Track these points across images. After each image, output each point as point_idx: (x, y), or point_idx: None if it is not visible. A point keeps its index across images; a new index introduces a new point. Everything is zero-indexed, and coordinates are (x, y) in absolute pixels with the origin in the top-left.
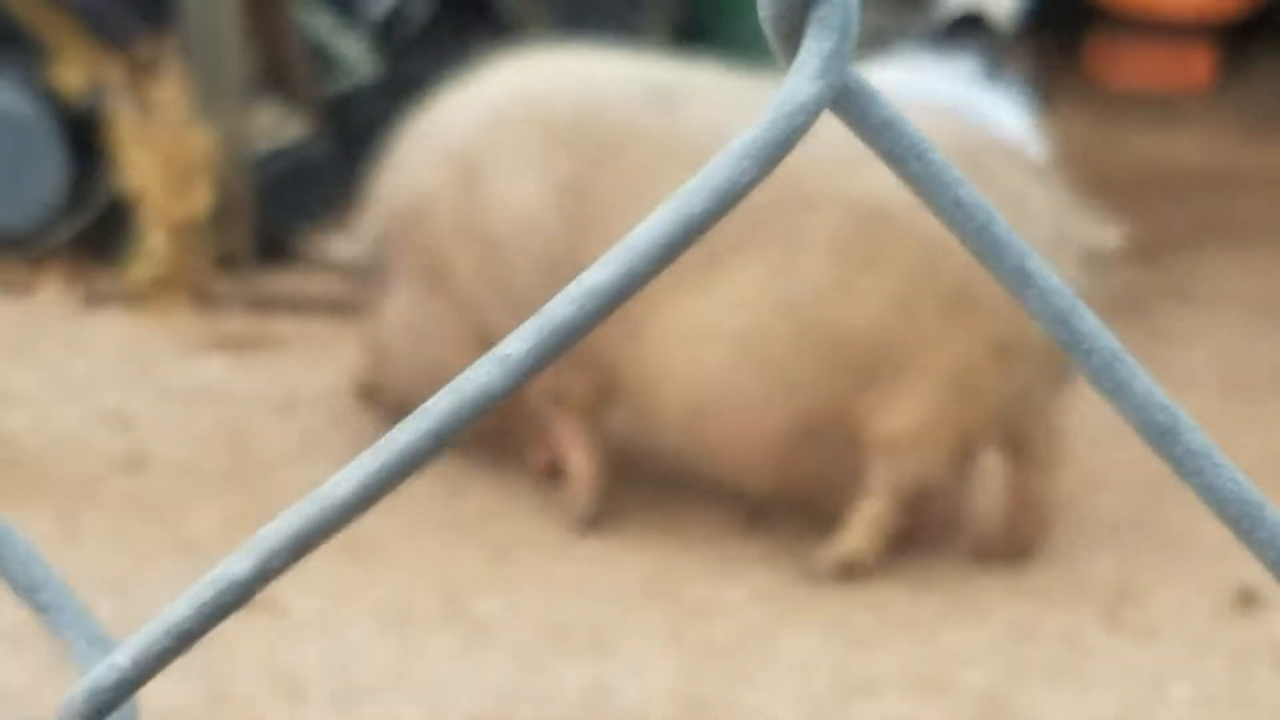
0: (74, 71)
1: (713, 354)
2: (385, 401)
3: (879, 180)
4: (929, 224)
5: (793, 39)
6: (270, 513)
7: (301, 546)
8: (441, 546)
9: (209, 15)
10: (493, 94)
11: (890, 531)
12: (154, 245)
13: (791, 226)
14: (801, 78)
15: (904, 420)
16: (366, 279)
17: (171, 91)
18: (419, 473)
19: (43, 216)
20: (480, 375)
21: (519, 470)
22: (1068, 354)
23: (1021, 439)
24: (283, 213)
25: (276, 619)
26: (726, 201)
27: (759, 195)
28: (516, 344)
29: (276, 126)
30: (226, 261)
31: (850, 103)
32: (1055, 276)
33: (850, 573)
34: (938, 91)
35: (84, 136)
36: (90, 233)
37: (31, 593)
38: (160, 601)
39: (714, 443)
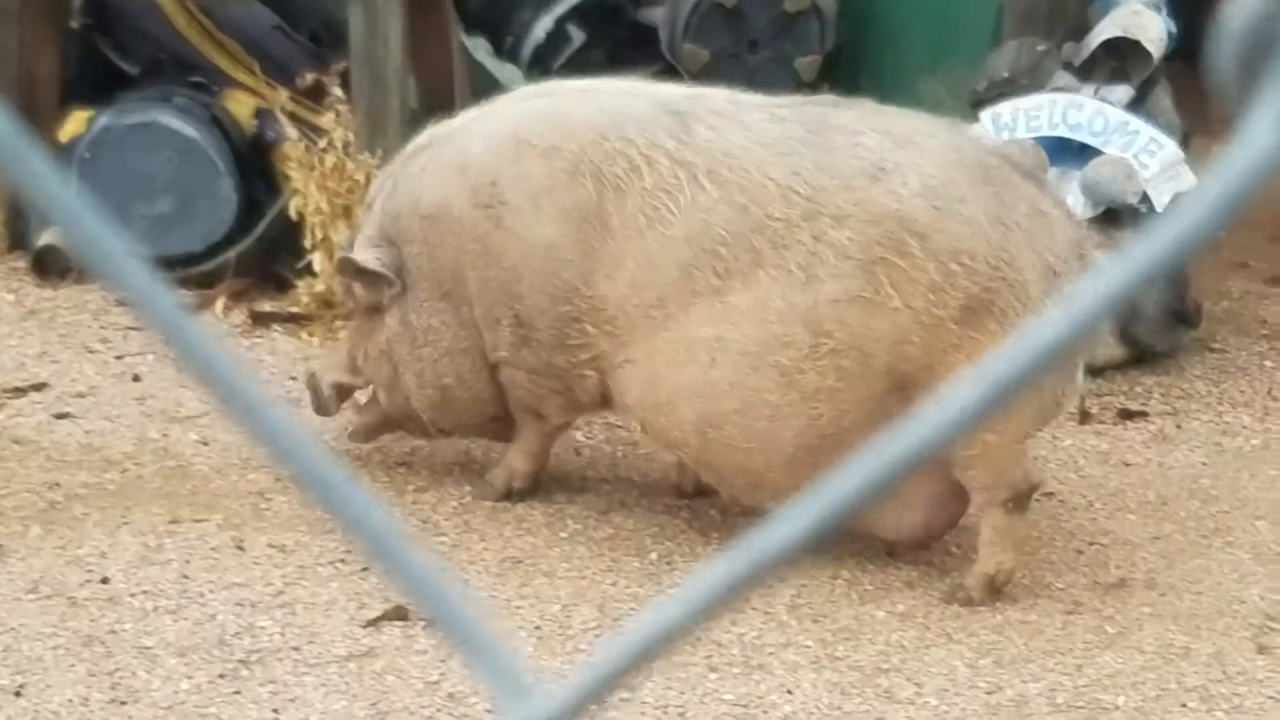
0: (244, 100)
1: (728, 366)
2: (371, 417)
3: (901, 192)
4: (950, 234)
5: (1249, 88)
6: (430, 529)
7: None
8: (598, 563)
9: (374, 45)
10: (512, 120)
11: (1019, 539)
12: (318, 268)
13: (814, 240)
14: (1261, 127)
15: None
16: (390, 285)
17: (339, 121)
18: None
19: (213, 241)
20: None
21: (671, 490)
22: None
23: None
24: None
25: (434, 633)
26: (1186, 249)
27: (782, 210)
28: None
29: None
30: None
31: None
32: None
33: (996, 590)
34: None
35: (252, 164)
36: (256, 256)
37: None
38: (328, 617)
39: (727, 454)
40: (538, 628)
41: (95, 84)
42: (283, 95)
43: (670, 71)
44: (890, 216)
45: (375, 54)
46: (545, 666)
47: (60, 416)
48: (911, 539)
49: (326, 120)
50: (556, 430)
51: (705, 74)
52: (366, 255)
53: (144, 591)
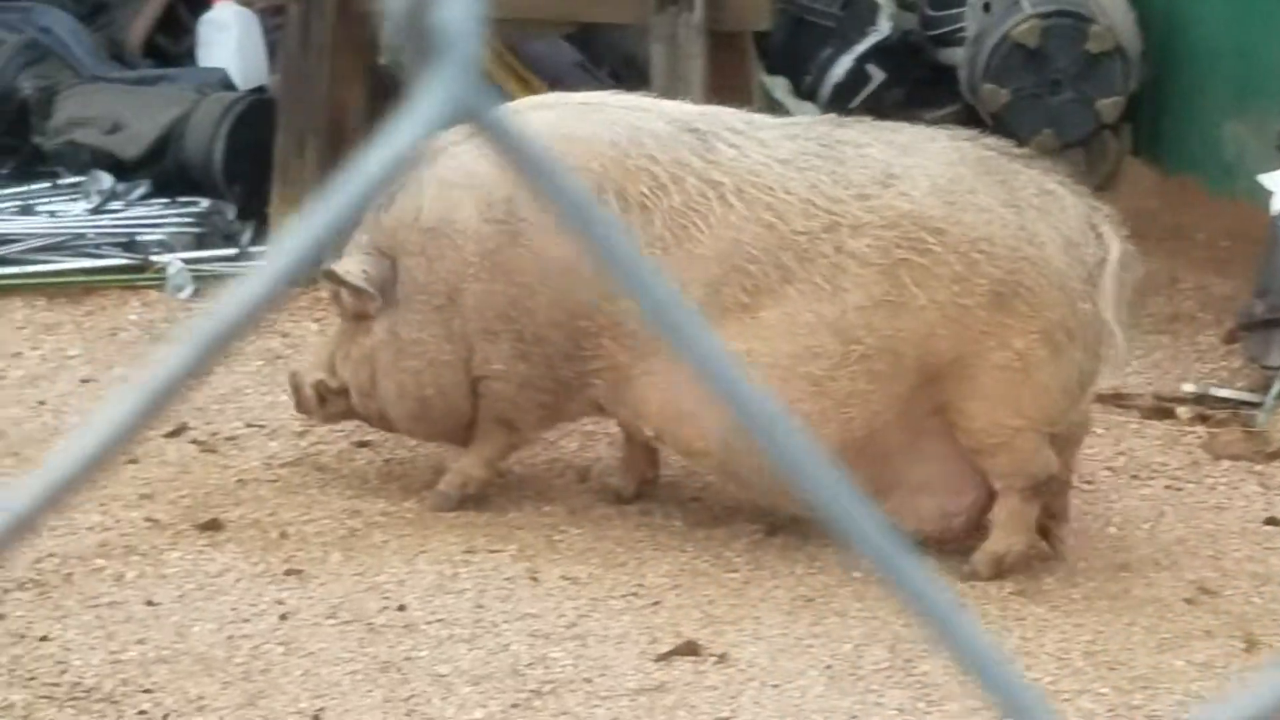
0: None
1: (758, 378)
2: (335, 408)
3: (913, 194)
4: (966, 225)
5: (420, 57)
6: (722, 565)
7: None
8: (890, 603)
9: (675, 83)
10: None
11: (1031, 523)
12: None
13: (835, 251)
14: (425, 98)
15: (984, 418)
16: (372, 300)
17: None
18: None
19: None
20: None
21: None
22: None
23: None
24: None
25: (726, 669)
26: (339, 220)
27: (804, 224)
28: None
29: None
30: None
31: (477, 121)
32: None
33: (1002, 568)
34: None
35: None
36: None
37: None
38: (620, 650)
39: (754, 463)
40: (829, 666)
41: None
42: None
43: (969, 111)
44: (906, 218)
45: (676, 92)
46: (835, 707)
47: (361, 445)
48: (931, 527)
49: None
50: (521, 443)
51: (1005, 115)
52: (352, 267)
53: (440, 619)
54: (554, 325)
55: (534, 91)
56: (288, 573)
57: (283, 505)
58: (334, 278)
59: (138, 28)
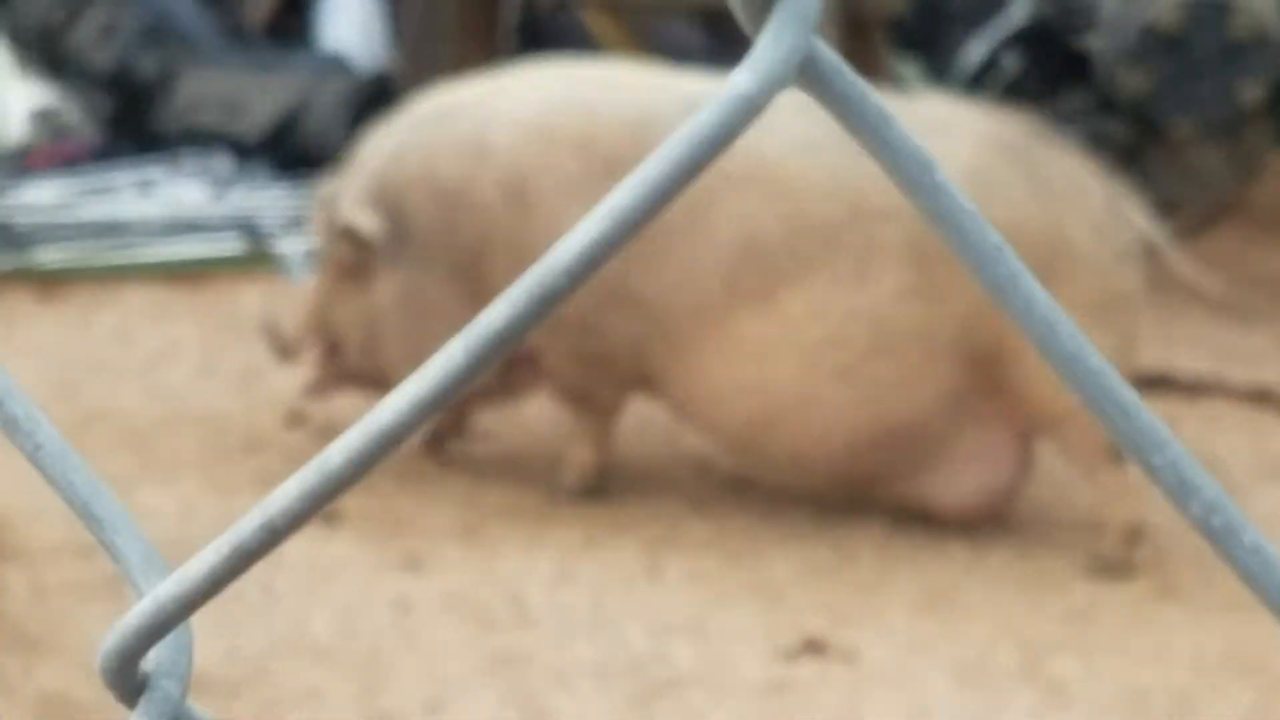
0: None
1: (785, 367)
2: (327, 370)
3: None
4: (997, 212)
5: (760, 14)
6: (848, 561)
7: None
8: (1019, 604)
9: None
10: (537, 105)
11: (1134, 488)
12: None
13: (864, 239)
14: (768, 47)
15: (1041, 396)
16: (368, 250)
17: None
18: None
19: None
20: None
21: (1090, 533)
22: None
23: None
24: None
25: (852, 667)
26: (668, 188)
27: (828, 213)
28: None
29: None
30: None
31: (815, 72)
32: (1019, 263)
33: (1136, 545)
34: None
35: None
36: None
37: (86, 507)
38: (742, 646)
39: (784, 445)
40: (956, 666)
41: None
42: None
43: (1105, 99)
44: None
45: None
46: (962, 707)
47: (481, 435)
48: (968, 507)
49: None
50: (610, 412)
51: (1144, 102)
52: (365, 221)
53: (558, 612)
54: (570, 303)
55: None
56: (406, 563)
57: (401, 496)
58: (348, 229)
59: (259, 8)
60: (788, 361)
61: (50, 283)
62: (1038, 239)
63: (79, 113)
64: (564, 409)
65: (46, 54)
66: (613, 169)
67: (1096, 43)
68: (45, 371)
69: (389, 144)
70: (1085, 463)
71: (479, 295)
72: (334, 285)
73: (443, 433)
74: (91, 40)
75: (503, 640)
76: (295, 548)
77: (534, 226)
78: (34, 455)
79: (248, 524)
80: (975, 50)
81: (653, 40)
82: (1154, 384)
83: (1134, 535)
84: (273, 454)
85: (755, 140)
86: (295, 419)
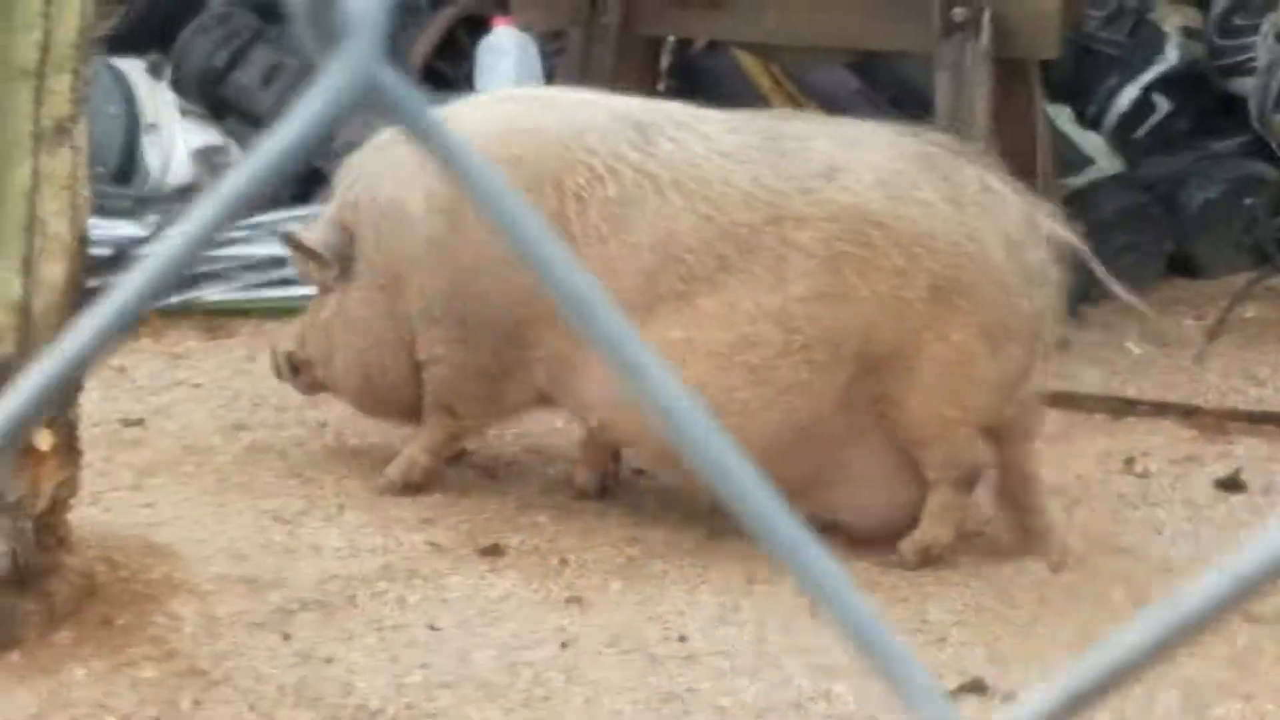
0: None
1: (698, 367)
2: (305, 380)
3: (856, 187)
4: (909, 220)
5: (326, 40)
6: (1005, 603)
7: None
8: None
9: (959, 111)
10: (478, 126)
11: (960, 516)
12: None
13: (779, 242)
14: (329, 75)
15: (921, 410)
16: (328, 267)
17: None
18: None
19: None
20: None
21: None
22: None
23: (1010, 419)
24: None
25: (1012, 707)
26: (253, 184)
27: (745, 216)
28: None
29: None
30: None
31: (384, 99)
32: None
33: (929, 558)
34: None
35: None
36: None
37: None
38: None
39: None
40: (1119, 710)
41: None
42: None
43: (1258, 142)
44: (848, 212)
45: (959, 121)
46: None
47: (639, 473)
48: (878, 522)
49: None
50: (465, 432)
51: None
52: (310, 234)
53: (721, 651)
54: (495, 311)
55: None
56: (568, 600)
57: (562, 532)
58: (292, 241)
59: (416, 51)
60: (704, 363)
61: (215, 319)
62: (947, 248)
63: (241, 152)
64: (426, 416)
65: (209, 97)
66: (540, 183)
67: (1248, 86)
68: (212, 407)
69: (353, 170)
70: (936, 480)
71: (397, 311)
72: (312, 304)
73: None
74: (254, 82)
75: (666, 678)
76: (458, 583)
77: (462, 240)
78: None
79: None
80: (1127, 94)
81: (804, 83)
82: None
83: (926, 554)
84: (434, 486)
85: (680, 149)
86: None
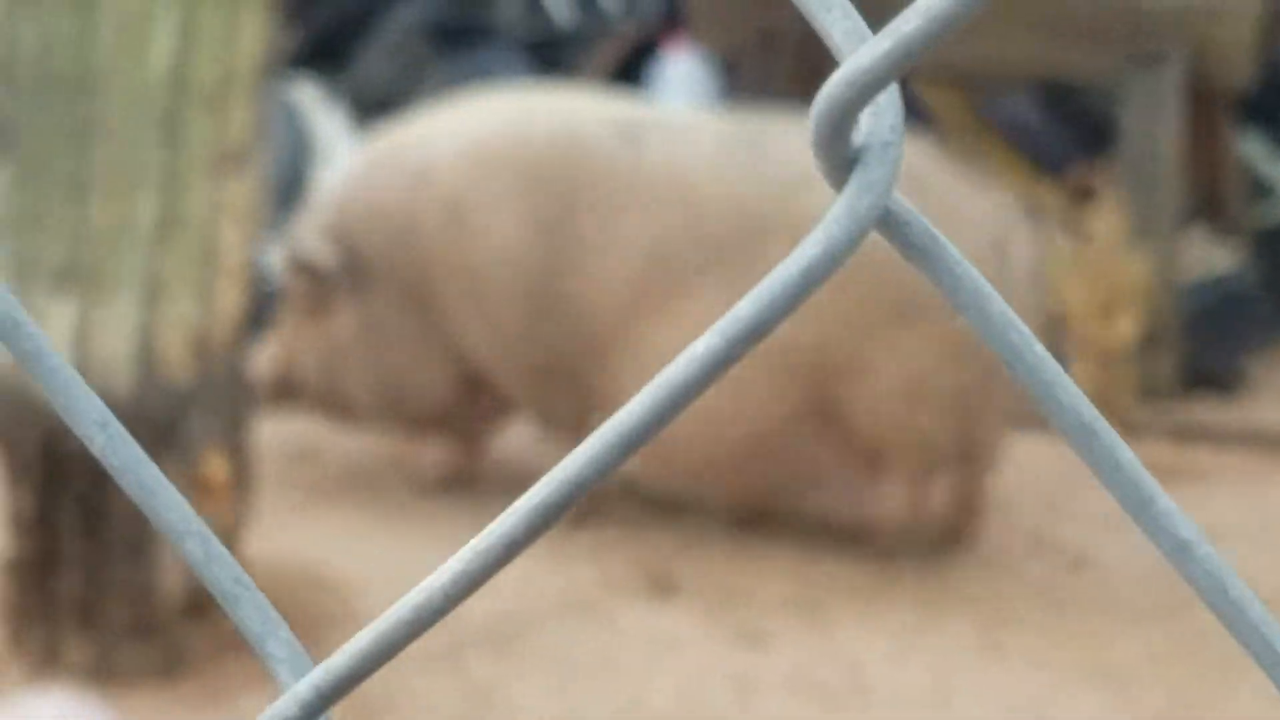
0: (1009, 194)
1: None
2: (299, 401)
3: (823, 201)
4: (875, 242)
5: (840, 167)
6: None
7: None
8: None
9: (1147, 143)
10: (474, 131)
11: (921, 515)
12: (1079, 370)
13: (749, 251)
14: (847, 201)
15: (882, 423)
16: (326, 282)
17: (1108, 218)
18: None
19: None
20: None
21: None
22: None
23: (968, 439)
24: (1210, 343)
25: None
26: (778, 312)
27: (718, 226)
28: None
29: (1207, 255)
30: (1150, 390)
31: (893, 225)
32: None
33: (902, 544)
34: None
35: None
36: None
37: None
38: None
39: (677, 454)
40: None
41: None
42: (1052, 191)
43: None
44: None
45: (1148, 152)
46: None
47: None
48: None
49: (1096, 218)
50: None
51: None
52: (317, 251)
53: (899, 691)
54: (508, 302)
55: (995, 149)
56: (742, 636)
57: (734, 568)
58: (300, 260)
59: (592, 74)
60: None
61: None
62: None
63: None
64: (538, 428)
65: (387, 119)
66: (538, 185)
67: None
68: (383, 437)
69: (342, 182)
70: (898, 472)
71: (429, 316)
72: (297, 325)
73: (460, 466)
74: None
75: (843, 716)
76: (631, 618)
77: (469, 242)
78: None
79: None
80: None
81: (987, 111)
82: None
83: (900, 540)
84: (605, 523)
85: (665, 159)
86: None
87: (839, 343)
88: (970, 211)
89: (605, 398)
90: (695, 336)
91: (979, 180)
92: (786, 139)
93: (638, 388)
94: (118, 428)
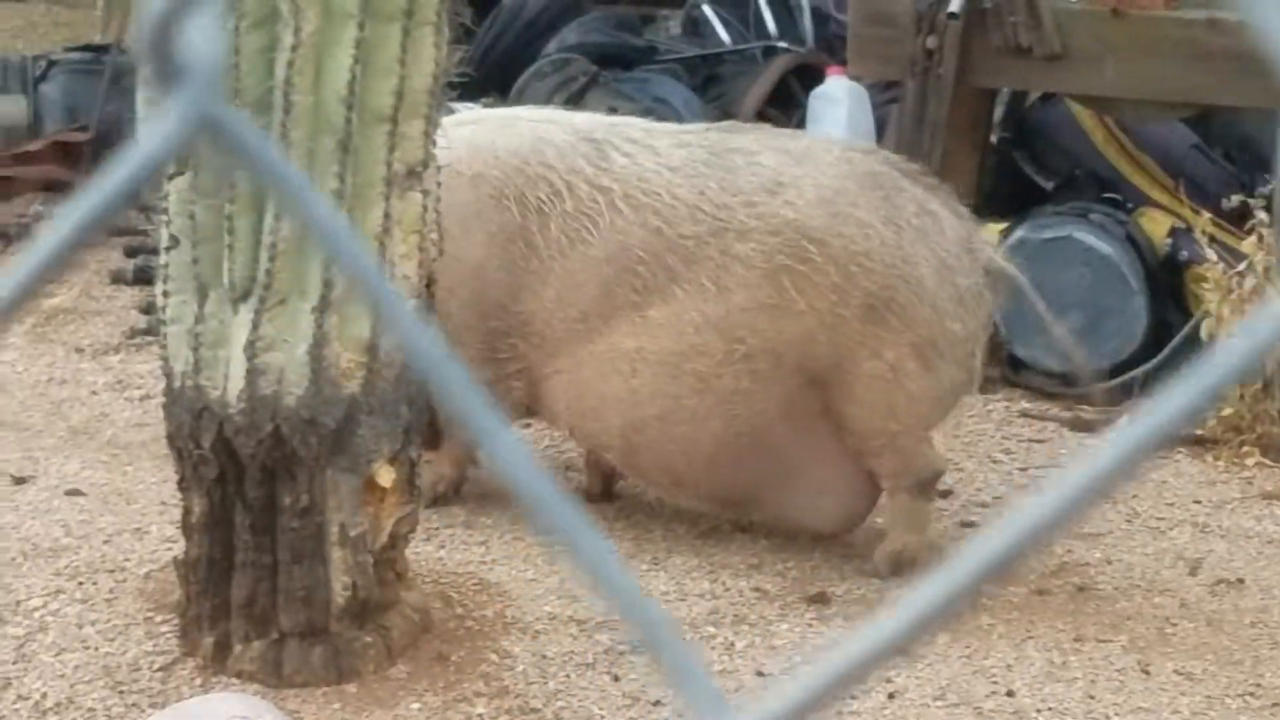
0: (1159, 219)
1: (648, 373)
2: None
3: (798, 203)
4: (846, 238)
5: (168, 74)
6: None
7: None
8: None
9: None
10: (453, 149)
11: (924, 521)
12: (1227, 395)
13: (723, 254)
14: (175, 105)
15: (862, 423)
16: None
17: (1259, 244)
18: None
19: (1120, 359)
20: None
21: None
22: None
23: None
24: None
25: None
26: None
27: (691, 229)
28: None
29: None
30: None
31: (217, 126)
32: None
33: (901, 565)
34: None
35: (1164, 283)
36: (1163, 377)
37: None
38: None
39: (651, 456)
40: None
41: (1011, 197)
42: (1202, 216)
43: None
44: (789, 226)
45: None
46: None
47: (965, 525)
48: (832, 525)
49: (1248, 244)
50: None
51: None
52: None
53: (1049, 708)
54: (468, 328)
55: (1151, 174)
56: (895, 650)
57: (889, 581)
58: None
59: (750, 99)
60: (655, 371)
61: None
62: (881, 268)
63: None
64: (447, 430)
65: None
66: (500, 199)
67: None
68: (543, 448)
69: None
70: (891, 489)
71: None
72: None
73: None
74: None
75: None
76: (785, 630)
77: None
78: None
79: None
80: None
81: (1139, 136)
82: None
83: (898, 561)
84: (759, 535)
85: (632, 163)
86: None
87: (819, 342)
88: (937, 221)
89: (569, 406)
90: (664, 344)
91: (946, 189)
92: (751, 148)
93: (606, 395)
94: None
